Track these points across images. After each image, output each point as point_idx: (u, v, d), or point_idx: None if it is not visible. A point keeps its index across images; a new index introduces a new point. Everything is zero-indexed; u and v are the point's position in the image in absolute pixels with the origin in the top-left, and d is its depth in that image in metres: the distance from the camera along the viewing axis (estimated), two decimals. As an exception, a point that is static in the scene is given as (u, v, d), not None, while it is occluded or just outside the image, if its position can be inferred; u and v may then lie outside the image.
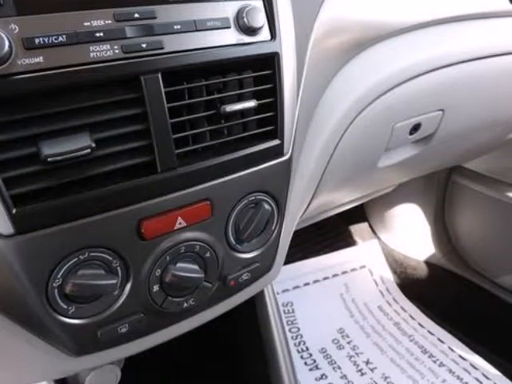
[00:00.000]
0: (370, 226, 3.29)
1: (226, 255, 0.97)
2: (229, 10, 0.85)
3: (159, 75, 0.76)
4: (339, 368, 2.31)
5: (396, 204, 3.05)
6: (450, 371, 2.28)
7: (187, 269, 0.90)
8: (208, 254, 0.93)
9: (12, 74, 0.65)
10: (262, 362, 1.34)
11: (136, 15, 0.75)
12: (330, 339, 2.49)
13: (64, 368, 0.93)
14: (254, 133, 0.93)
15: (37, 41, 0.66)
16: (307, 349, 2.42)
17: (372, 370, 2.31)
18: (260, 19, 0.86)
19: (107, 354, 0.93)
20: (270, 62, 0.90)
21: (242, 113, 0.91)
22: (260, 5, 0.88)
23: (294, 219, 1.22)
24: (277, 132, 0.95)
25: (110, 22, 0.72)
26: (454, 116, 1.60)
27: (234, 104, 0.87)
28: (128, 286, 0.85)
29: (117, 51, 0.73)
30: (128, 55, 0.73)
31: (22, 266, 0.72)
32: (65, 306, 0.79)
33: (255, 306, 1.33)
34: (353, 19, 1.16)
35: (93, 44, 0.71)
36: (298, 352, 2.40)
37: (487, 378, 2.24)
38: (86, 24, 0.70)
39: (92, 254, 0.78)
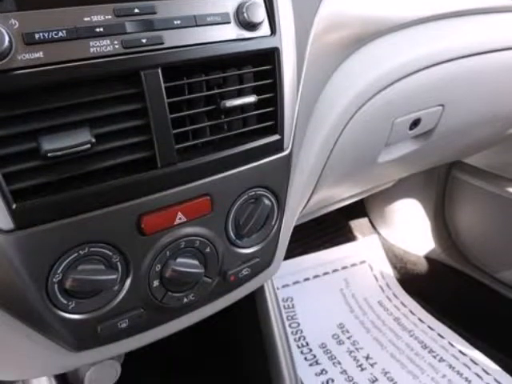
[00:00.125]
0: (370, 222, 3.29)
1: (226, 250, 0.97)
2: (229, 5, 0.84)
3: (159, 70, 0.76)
4: (339, 363, 2.32)
5: (396, 199, 3.05)
6: (450, 366, 2.28)
7: (187, 264, 0.90)
8: (208, 249, 0.93)
9: (12, 70, 0.65)
10: (262, 358, 1.34)
11: (136, 10, 0.75)
12: (330, 334, 2.49)
13: (64, 363, 0.94)
14: (254, 128, 0.93)
15: (37, 36, 0.66)
16: (307, 344, 2.43)
17: (372, 365, 2.31)
18: (260, 14, 0.86)
19: (107, 349, 0.93)
20: (270, 57, 0.90)
21: (242, 108, 0.91)
22: (260, 0, 0.88)
23: (294, 214, 1.23)
24: (277, 127, 0.95)
25: (110, 17, 0.72)
26: (454, 111, 1.60)
27: (234, 99, 0.87)
28: (128, 282, 0.85)
29: (117, 46, 0.73)
30: (128, 50, 0.73)
31: (22, 261, 0.72)
32: (65, 301, 0.79)
33: (255, 301, 1.34)
34: (353, 14, 1.16)
35: (93, 39, 0.71)
36: (298, 347, 2.40)
37: (487, 373, 2.24)
38: (86, 19, 0.70)
39: (92, 249, 0.78)
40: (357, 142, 1.39)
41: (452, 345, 2.41)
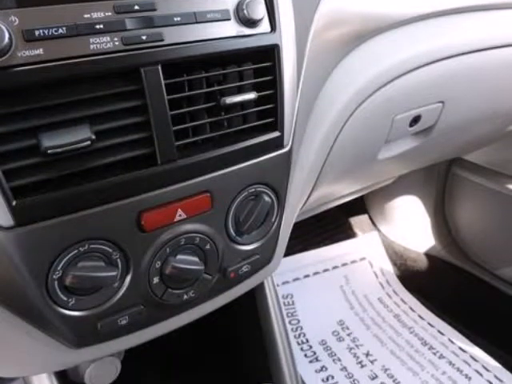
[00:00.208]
0: (370, 218, 3.29)
1: (226, 247, 0.97)
2: (229, 2, 0.84)
3: (159, 67, 0.76)
4: (339, 360, 2.32)
5: (396, 196, 3.05)
6: (450, 363, 2.28)
7: (187, 261, 0.90)
8: (208, 246, 0.93)
9: (12, 66, 0.65)
10: (262, 354, 1.35)
11: (136, 7, 0.74)
12: (330, 331, 2.50)
13: (64, 360, 0.94)
14: (253, 125, 0.93)
15: (37, 33, 0.66)
16: (307, 341, 2.43)
17: (372, 362, 2.31)
18: (260, 11, 0.86)
19: (107, 346, 0.93)
20: (270, 54, 0.90)
21: (242, 105, 0.91)
22: (260, -3, 0.88)
23: (293, 211, 1.23)
24: (277, 124, 0.95)
25: (109, 13, 0.72)
26: (454, 108, 1.60)
27: (233, 96, 0.87)
28: (128, 278, 0.85)
29: (117, 43, 0.73)
30: (128, 47, 0.73)
31: (22, 258, 0.72)
32: (65, 298, 0.79)
33: (255, 298, 1.34)
34: (353, 11, 1.16)
35: (93, 36, 0.71)
36: (298, 344, 2.41)
37: (487, 370, 2.25)
38: (85, 16, 0.70)
39: (92, 246, 0.78)
40: (357, 139, 1.39)
41: (452, 342, 2.42)
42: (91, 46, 0.70)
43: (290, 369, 1.33)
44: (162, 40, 0.77)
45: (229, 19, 0.84)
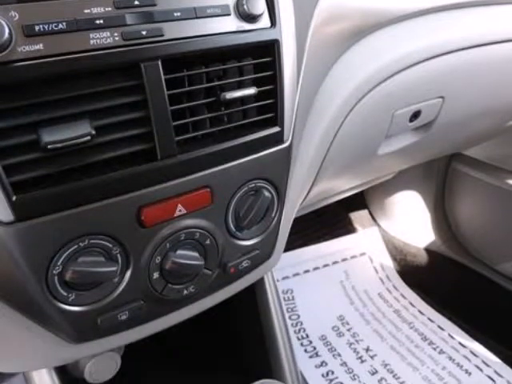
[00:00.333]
0: (370, 214, 3.29)
1: (225, 242, 0.97)
2: (229, -3, 0.85)
3: (159, 62, 0.76)
4: (339, 355, 2.32)
5: (396, 191, 3.05)
6: (450, 358, 2.29)
7: (187, 256, 0.90)
8: (208, 241, 0.93)
9: (12, 62, 0.64)
10: (262, 350, 1.35)
11: (136, 2, 0.74)
12: (330, 326, 2.50)
13: (64, 355, 0.94)
14: (254, 120, 0.93)
15: (37, 28, 0.66)
16: (307, 336, 2.43)
17: (372, 357, 2.31)
18: (260, 6, 0.86)
19: (107, 341, 0.93)
20: (270, 49, 0.90)
21: (242, 100, 0.91)
22: (260, -8, 0.88)
23: (293, 206, 1.23)
24: (277, 119, 0.95)
25: (110, 9, 0.72)
26: (454, 103, 1.60)
27: (234, 91, 0.87)
28: (128, 273, 0.85)
29: (117, 38, 0.72)
30: (128, 42, 0.73)
31: (22, 253, 0.72)
32: (65, 293, 0.79)
33: (255, 293, 1.34)
34: (353, 6, 1.16)
35: (93, 31, 0.71)
36: (298, 339, 2.41)
37: (487, 365, 2.25)
38: (85, 11, 0.70)
39: (92, 241, 0.78)
40: (357, 134, 1.39)
41: (452, 337, 2.42)
42: (91, 42, 0.70)
43: (290, 364, 1.33)
44: (162, 35, 0.76)
45: (229, 14, 0.84)
